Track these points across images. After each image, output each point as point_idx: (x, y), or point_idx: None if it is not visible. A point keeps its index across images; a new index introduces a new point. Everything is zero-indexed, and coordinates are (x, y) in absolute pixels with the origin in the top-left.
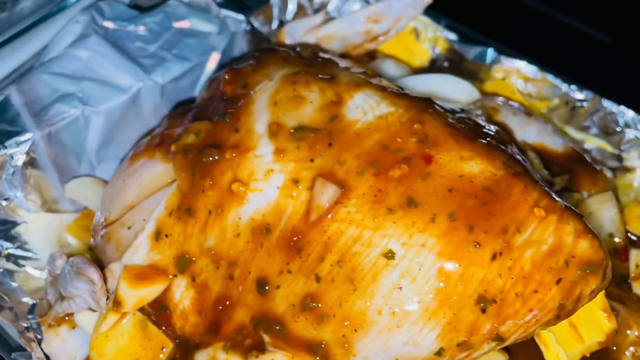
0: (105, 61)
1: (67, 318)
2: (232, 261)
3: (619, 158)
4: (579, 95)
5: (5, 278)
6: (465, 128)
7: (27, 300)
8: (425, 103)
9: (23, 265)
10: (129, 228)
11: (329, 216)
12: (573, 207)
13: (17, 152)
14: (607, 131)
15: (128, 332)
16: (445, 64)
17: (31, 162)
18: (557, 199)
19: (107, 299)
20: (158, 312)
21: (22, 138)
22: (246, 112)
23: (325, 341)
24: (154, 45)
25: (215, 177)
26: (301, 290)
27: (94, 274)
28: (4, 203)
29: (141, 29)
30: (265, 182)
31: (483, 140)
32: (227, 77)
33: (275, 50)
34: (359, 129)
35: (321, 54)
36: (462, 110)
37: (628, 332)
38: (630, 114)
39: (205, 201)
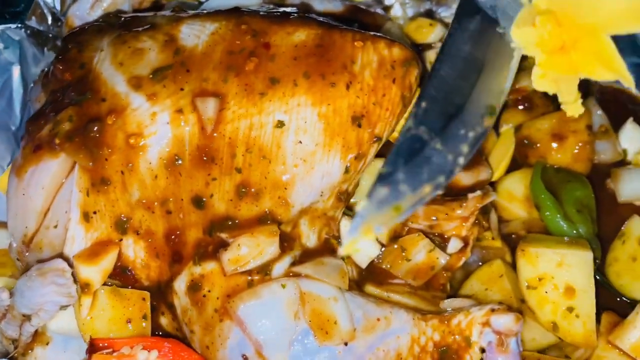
0: None
1: (35, 340)
2: (162, 200)
3: (380, 1)
4: None
5: None
6: (276, 13)
7: None
8: (236, 11)
9: None
10: (55, 227)
11: (221, 123)
12: (375, 33)
13: None
14: None
15: (107, 304)
16: None
17: None
18: (362, 31)
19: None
20: (121, 276)
21: None
22: (101, 83)
23: (268, 208)
24: None
25: (110, 143)
26: (230, 186)
27: (60, 263)
28: None
29: None
30: (155, 124)
31: (293, 16)
32: (60, 67)
33: (85, 28)
34: (202, 50)
35: (124, 16)
36: (261, 7)
37: None
38: None
39: (113, 166)
